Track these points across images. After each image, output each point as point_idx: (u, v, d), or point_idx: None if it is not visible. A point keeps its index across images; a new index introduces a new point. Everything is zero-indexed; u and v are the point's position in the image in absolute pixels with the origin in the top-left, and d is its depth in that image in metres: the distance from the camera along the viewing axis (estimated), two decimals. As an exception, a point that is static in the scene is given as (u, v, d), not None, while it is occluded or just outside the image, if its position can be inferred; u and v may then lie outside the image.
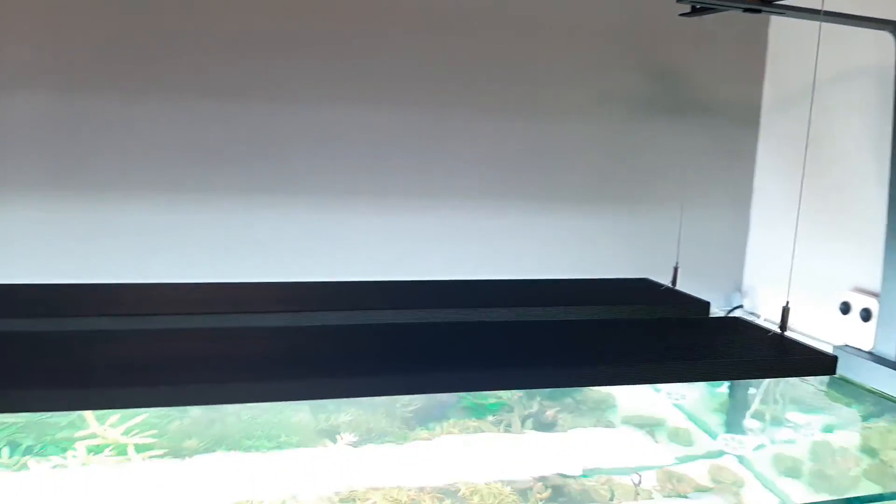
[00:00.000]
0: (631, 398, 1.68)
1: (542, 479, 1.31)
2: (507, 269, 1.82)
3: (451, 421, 1.49)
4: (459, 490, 1.25)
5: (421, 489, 1.24)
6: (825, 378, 1.66)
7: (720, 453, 1.44)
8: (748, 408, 1.67)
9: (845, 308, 1.69)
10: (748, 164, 1.99)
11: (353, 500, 1.17)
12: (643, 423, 1.58)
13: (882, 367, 1.53)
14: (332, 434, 1.37)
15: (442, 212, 1.83)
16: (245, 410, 1.45)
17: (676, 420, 1.60)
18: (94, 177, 1.64)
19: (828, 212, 1.78)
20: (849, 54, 1.62)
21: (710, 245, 1.91)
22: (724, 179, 1.98)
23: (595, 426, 1.56)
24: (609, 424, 1.59)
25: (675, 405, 1.66)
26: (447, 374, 1.10)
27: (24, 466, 1.19)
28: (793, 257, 1.24)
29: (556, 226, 1.89)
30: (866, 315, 1.62)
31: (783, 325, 1.21)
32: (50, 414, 1.33)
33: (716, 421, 1.60)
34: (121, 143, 1.64)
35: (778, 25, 1.92)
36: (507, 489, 1.25)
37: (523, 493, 1.25)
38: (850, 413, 1.59)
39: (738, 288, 2.00)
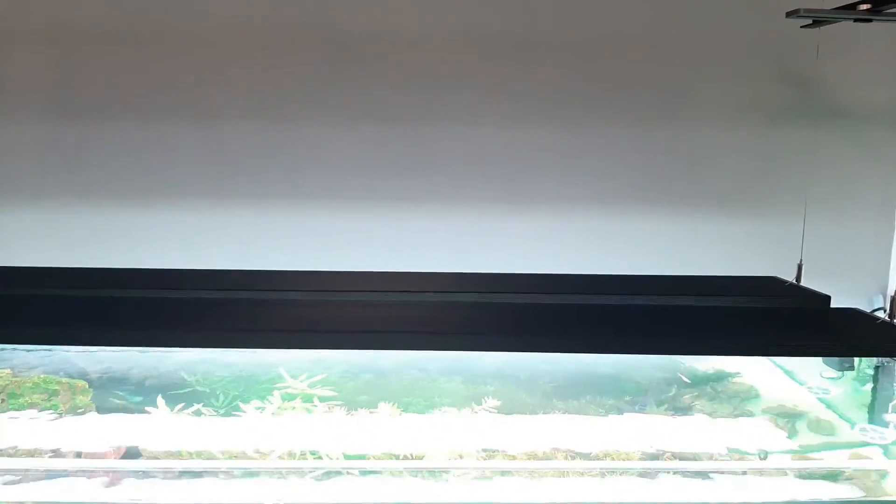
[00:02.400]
0: (773, 390, 1.70)
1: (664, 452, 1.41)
2: (654, 266, 1.94)
3: (588, 398, 1.62)
4: (591, 453, 1.39)
5: (555, 449, 1.39)
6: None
7: (861, 443, 1.45)
8: (892, 400, 1.63)
9: None
10: (893, 167, 1.94)
11: (495, 455, 1.36)
12: (783, 414, 1.61)
13: None
14: (478, 399, 1.56)
15: (591, 215, 1.98)
16: (406, 376, 1.68)
17: (819, 412, 1.60)
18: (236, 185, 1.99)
19: None
20: None
21: (855, 248, 1.90)
22: (868, 184, 1.95)
23: (732, 415, 1.61)
24: (747, 413, 1.63)
25: (820, 399, 1.66)
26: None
27: (236, 408, 1.50)
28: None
29: (701, 228, 1.98)
30: None
31: (892, 314, 1.26)
32: (252, 372, 1.65)
33: (859, 415, 1.59)
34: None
35: None
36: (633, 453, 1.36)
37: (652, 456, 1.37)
38: None
39: (883, 291, 1.95)
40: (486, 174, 1.99)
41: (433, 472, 1.35)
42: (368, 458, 1.34)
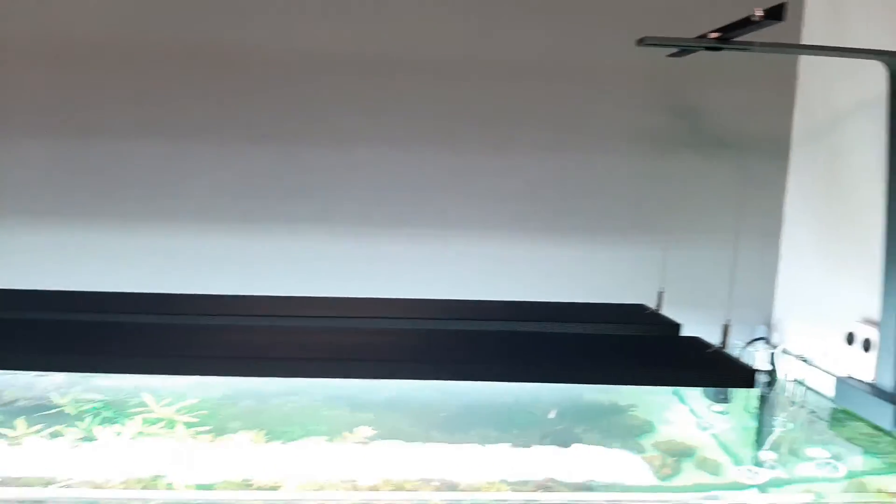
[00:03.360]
0: (668, 425, 1.66)
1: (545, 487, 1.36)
2: (534, 291, 1.93)
3: (477, 429, 1.58)
4: (459, 485, 1.34)
5: (424, 479, 1.34)
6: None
7: (737, 485, 1.41)
8: (770, 436, 1.60)
9: (850, 339, 1.60)
10: (777, 196, 1.94)
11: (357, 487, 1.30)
12: (671, 450, 1.56)
13: (878, 398, 1.43)
14: (353, 427, 1.51)
15: (474, 241, 1.97)
16: (288, 404, 1.63)
17: (706, 448, 1.56)
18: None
19: (845, 242, 1.71)
20: (870, 86, 1.56)
21: (739, 279, 1.89)
22: (753, 213, 1.95)
23: (620, 447, 1.57)
24: (637, 448, 1.58)
25: (713, 435, 1.63)
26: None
27: (94, 432, 1.44)
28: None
29: (580, 254, 1.97)
30: (867, 345, 1.52)
31: (723, 343, 1.26)
32: (126, 396, 1.60)
33: (741, 452, 1.55)
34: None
35: (806, 61, 1.88)
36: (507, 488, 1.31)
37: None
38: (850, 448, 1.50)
39: (767, 321, 1.94)
40: (367, 197, 1.96)
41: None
42: (215, 489, 1.27)
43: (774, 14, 1.19)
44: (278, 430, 1.51)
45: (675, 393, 1.80)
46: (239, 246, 1.98)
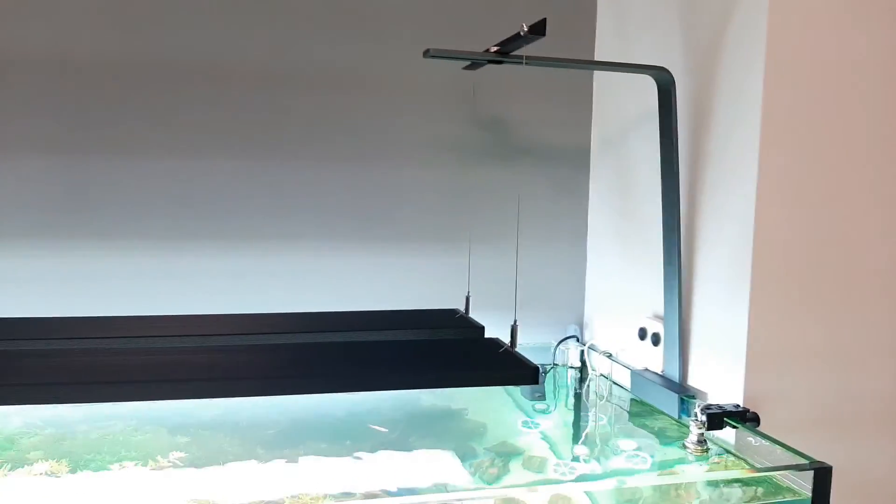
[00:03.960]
0: (499, 426, 1.70)
1: (372, 495, 1.34)
2: (353, 301, 1.94)
3: (306, 445, 1.54)
4: (279, 499, 1.30)
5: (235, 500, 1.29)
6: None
7: (556, 481, 1.46)
8: (585, 430, 1.68)
9: (642, 333, 1.73)
10: (582, 203, 2.07)
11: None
12: (503, 451, 1.60)
13: (666, 389, 1.55)
14: (168, 451, 1.43)
15: (287, 252, 1.97)
16: (99, 429, 1.53)
17: (537, 448, 1.61)
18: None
19: (635, 243, 1.86)
20: (650, 99, 1.69)
21: (552, 281, 2.00)
22: (561, 219, 2.07)
23: (452, 450, 1.58)
24: (467, 450, 1.60)
25: (541, 433, 1.68)
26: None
27: None
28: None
29: (392, 263, 2.01)
30: (656, 339, 1.65)
31: (513, 342, 1.33)
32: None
33: (563, 448, 1.61)
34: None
35: (600, 75, 2.04)
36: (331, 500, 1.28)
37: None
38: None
39: (579, 320, 2.06)
40: (173, 211, 1.90)
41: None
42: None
43: (537, 30, 1.26)
44: (84, 458, 1.41)
45: (507, 393, 1.85)
46: (47, 265, 1.85)
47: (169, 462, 1.39)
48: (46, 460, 1.37)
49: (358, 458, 1.48)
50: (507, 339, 1.56)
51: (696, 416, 1.40)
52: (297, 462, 1.46)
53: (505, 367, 1.45)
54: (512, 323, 1.46)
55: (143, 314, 1.79)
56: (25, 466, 1.36)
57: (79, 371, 1.39)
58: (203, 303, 1.89)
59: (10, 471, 1.34)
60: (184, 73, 1.84)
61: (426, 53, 1.34)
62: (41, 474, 1.32)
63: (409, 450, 1.55)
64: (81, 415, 1.58)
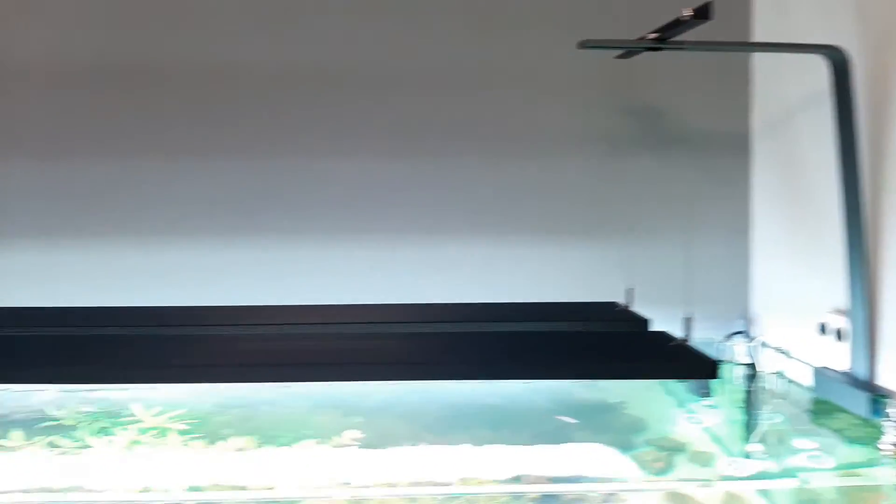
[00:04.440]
0: (659, 421, 1.67)
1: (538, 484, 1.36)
2: (509, 293, 1.96)
3: (465, 431, 1.58)
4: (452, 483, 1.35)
5: (415, 481, 1.35)
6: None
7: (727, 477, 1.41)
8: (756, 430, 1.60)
9: (823, 329, 1.61)
10: (743, 192, 1.96)
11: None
12: (665, 446, 1.57)
13: (854, 388, 1.44)
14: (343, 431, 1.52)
15: (437, 243, 2.02)
16: (278, 410, 1.65)
17: (702, 444, 1.57)
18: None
19: (810, 234, 1.73)
20: (819, 80, 1.58)
21: (711, 274, 1.91)
22: (718, 209, 1.96)
23: (612, 442, 1.57)
24: (629, 444, 1.59)
25: (705, 429, 1.63)
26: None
27: (89, 442, 1.46)
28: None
29: (541, 256, 2.01)
30: (839, 335, 1.53)
31: (686, 336, 1.28)
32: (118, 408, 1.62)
33: (730, 446, 1.55)
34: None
35: (759, 58, 1.92)
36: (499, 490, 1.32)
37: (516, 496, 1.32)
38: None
39: (744, 315, 1.95)
40: (333, 206, 1.98)
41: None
42: (206, 490, 1.29)
43: (702, 13, 1.21)
44: (269, 435, 1.52)
45: (663, 389, 1.80)
46: (226, 258, 2.00)
47: (347, 441, 1.47)
48: (238, 436, 1.49)
49: (518, 446, 1.50)
50: (670, 333, 1.52)
51: (889, 416, 1.31)
52: (461, 447, 1.50)
53: (678, 360, 1.42)
54: (684, 316, 1.42)
55: (323, 303, 1.90)
56: (218, 442, 1.48)
57: (267, 354, 1.50)
58: (361, 293, 1.98)
59: (208, 445, 1.47)
60: (336, 75, 1.93)
61: (582, 44, 1.33)
62: (236, 449, 1.44)
63: (568, 441, 1.55)
64: (263, 396, 1.70)
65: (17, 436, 1.47)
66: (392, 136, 1.97)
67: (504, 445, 1.50)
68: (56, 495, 1.25)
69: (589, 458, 1.49)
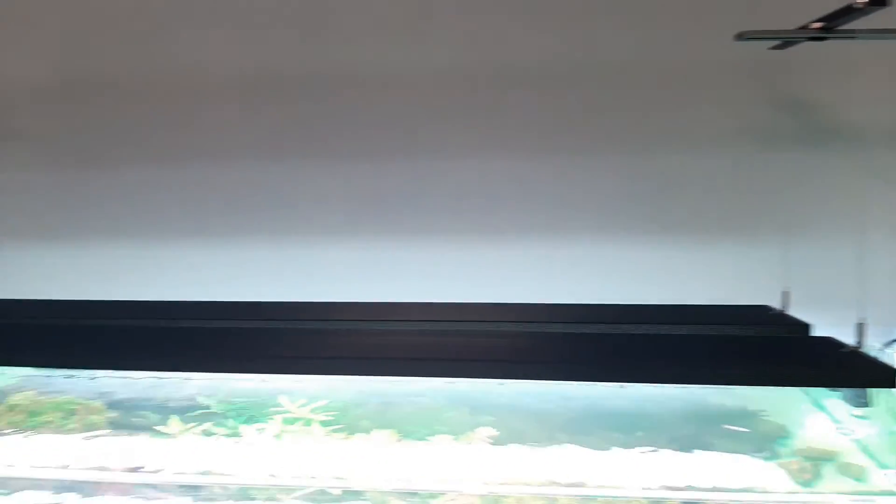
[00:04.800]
0: (804, 430, 1.59)
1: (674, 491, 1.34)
2: (647, 294, 1.90)
3: (598, 433, 1.57)
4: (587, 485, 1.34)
5: (551, 481, 1.36)
6: None
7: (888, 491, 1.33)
8: None
9: None
10: None
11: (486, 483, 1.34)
12: (811, 456, 1.50)
13: None
14: (476, 428, 1.55)
15: (577, 244, 1.99)
16: (410, 405, 1.69)
17: (849, 454, 1.48)
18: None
19: None
20: None
21: (866, 276, 1.77)
22: (876, 208, 1.82)
23: (753, 450, 1.52)
24: (771, 453, 1.53)
25: (856, 440, 1.54)
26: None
27: (239, 430, 1.55)
28: None
29: (681, 256, 1.93)
30: None
31: (859, 343, 1.20)
32: (263, 398, 1.71)
33: (887, 458, 1.46)
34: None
35: None
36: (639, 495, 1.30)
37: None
38: None
39: None
40: (473, 206, 2.00)
41: (418, 495, 1.35)
42: (351, 479, 1.35)
43: (878, 0, 1.13)
44: (406, 429, 1.57)
45: (808, 397, 1.72)
46: (361, 256, 2.07)
47: (481, 438, 1.50)
48: (379, 429, 1.54)
49: (652, 451, 1.47)
50: (836, 339, 1.43)
51: None
52: (592, 449, 1.49)
53: (849, 367, 1.33)
54: (857, 321, 1.33)
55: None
56: (359, 434, 1.54)
57: (404, 349, 1.55)
58: (495, 292, 1.99)
59: (349, 436, 1.53)
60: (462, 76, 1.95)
61: (739, 36, 1.29)
62: (376, 442, 1.50)
63: (707, 447, 1.50)
64: (396, 389, 1.75)
65: (175, 422, 1.58)
66: (540, 133, 1.97)
67: (640, 449, 1.48)
68: (223, 478, 1.34)
69: (730, 465, 1.44)
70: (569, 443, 1.51)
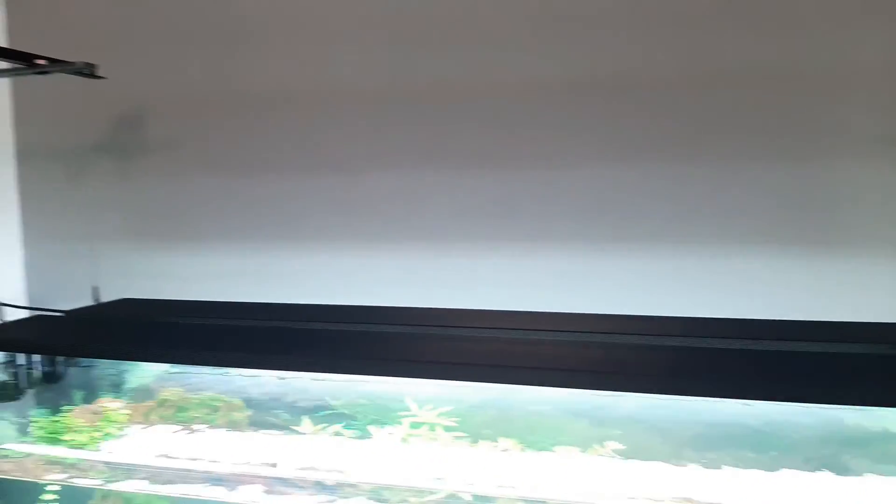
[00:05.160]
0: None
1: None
2: (786, 309, 1.82)
3: (729, 450, 1.53)
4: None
5: (687, 499, 1.34)
6: None
7: None
8: None
9: None
10: None
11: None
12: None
13: None
14: (602, 441, 1.54)
15: (715, 256, 1.92)
16: (531, 414, 1.70)
17: None
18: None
19: None
20: None
21: None
22: None
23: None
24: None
25: None
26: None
27: (370, 432, 1.61)
28: None
29: (829, 270, 1.84)
30: None
31: None
32: (386, 401, 1.77)
33: None
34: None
35: None
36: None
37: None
38: None
39: None
40: (601, 214, 1.98)
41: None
42: (480, 485, 1.37)
43: None
44: (528, 438, 1.58)
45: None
46: (474, 263, 2.10)
47: (608, 452, 1.49)
48: (504, 437, 1.55)
49: (790, 472, 1.42)
50: None
51: None
52: (726, 468, 1.45)
53: None
54: None
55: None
56: (483, 441, 1.56)
57: (527, 357, 1.56)
58: (620, 303, 1.97)
59: (473, 443, 1.55)
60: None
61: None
62: (502, 450, 1.51)
63: (845, 471, 1.43)
64: (517, 398, 1.76)
65: (307, 422, 1.65)
66: (675, 139, 1.93)
67: (774, 472, 1.43)
68: (356, 478, 1.39)
69: (873, 490, 1.37)
70: (698, 460, 1.48)
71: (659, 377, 1.46)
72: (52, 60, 1.72)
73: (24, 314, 2.01)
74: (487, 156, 2.05)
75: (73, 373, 2.02)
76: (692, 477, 1.41)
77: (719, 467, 1.44)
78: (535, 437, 1.58)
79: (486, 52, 2.02)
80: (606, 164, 1.99)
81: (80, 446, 1.53)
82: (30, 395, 1.90)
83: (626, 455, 1.48)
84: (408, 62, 2.07)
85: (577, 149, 2.00)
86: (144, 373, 1.99)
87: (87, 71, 1.71)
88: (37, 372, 1.96)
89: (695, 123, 1.92)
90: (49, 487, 1.47)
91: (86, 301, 2.06)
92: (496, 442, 1.53)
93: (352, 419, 1.68)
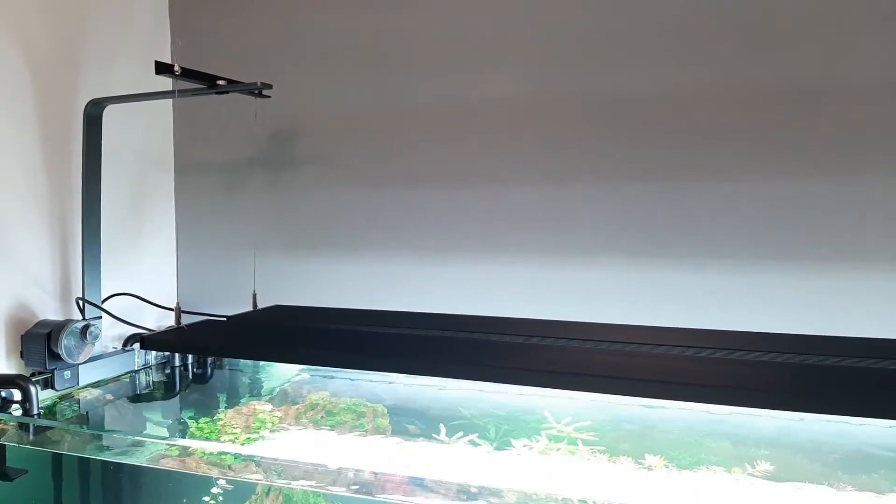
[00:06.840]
0: None
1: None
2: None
3: (882, 472, 1.48)
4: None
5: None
6: None
7: None
8: None
9: None
10: None
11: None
12: None
13: None
14: (749, 461, 1.52)
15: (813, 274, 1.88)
16: (671, 431, 1.69)
17: None
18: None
19: None
20: None
21: None
22: None
23: None
24: None
25: None
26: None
27: (507, 443, 1.63)
28: None
29: None
30: None
31: None
32: (520, 412, 1.79)
33: None
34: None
35: None
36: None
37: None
38: None
39: None
40: (702, 230, 1.96)
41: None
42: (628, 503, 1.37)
43: None
44: (670, 454, 1.57)
45: None
46: (611, 278, 2.10)
47: (758, 473, 1.46)
48: (640, 454, 1.55)
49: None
50: None
51: None
52: (884, 495, 1.40)
53: None
54: None
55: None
56: (624, 457, 1.56)
57: (661, 372, 1.56)
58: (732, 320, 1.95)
59: (613, 459, 1.55)
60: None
61: None
62: (651, 467, 1.51)
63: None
64: (653, 414, 1.75)
65: (443, 430, 1.69)
66: (765, 151, 1.91)
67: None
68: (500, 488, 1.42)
69: None
70: (853, 483, 1.44)
71: (807, 395, 1.43)
72: (229, 81, 1.82)
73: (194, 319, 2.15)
74: (637, 169, 2.05)
75: (217, 374, 2.15)
76: (855, 501, 1.37)
77: (883, 492, 1.39)
78: (676, 454, 1.57)
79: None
80: (727, 179, 1.96)
81: (241, 443, 1.63)
82: (183, 395, 2.04)
83: (776, 477, 1.45)
84: (554, 80, 2.10)
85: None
86: (277, 376, 2.09)
87: (257, 91, 1.80)
88: (188, 373, 2.10)
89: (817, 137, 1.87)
90: (219, 481, 1.58)
91: (246, 307, 2.19)
92: (641, 458, 1.52)
93: (485, 429, 1.71)
